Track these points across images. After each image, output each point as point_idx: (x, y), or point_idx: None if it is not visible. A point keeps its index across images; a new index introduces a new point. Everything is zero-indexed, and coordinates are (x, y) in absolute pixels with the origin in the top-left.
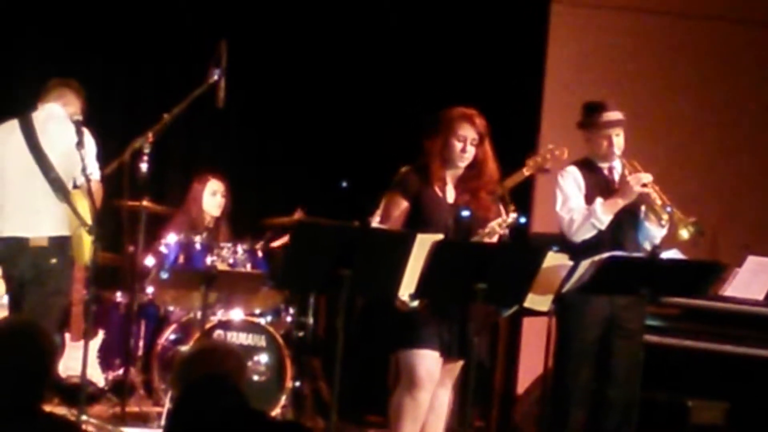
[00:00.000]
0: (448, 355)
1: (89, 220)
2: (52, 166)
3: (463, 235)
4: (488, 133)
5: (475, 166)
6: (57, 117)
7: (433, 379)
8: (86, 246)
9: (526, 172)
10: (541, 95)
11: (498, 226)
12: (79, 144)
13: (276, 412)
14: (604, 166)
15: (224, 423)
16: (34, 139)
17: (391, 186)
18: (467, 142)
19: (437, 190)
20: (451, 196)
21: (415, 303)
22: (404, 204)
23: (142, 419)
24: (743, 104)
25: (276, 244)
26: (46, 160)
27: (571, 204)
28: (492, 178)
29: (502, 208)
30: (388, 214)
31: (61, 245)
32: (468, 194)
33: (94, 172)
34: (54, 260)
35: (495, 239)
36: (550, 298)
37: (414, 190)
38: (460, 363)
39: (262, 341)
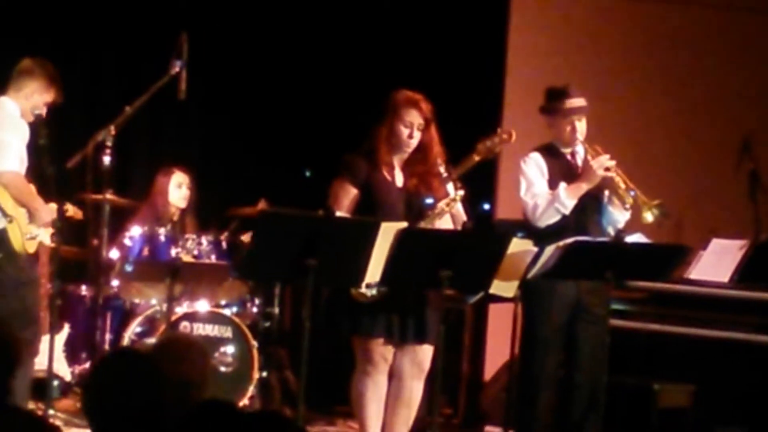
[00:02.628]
0: (402, 341)
1: (10, 211)
2: None
3: (414, 219)
4: (433, 118)
5: (421, 149)
6: None
7: (387, 361)
8: (15, 236)
9: (476, 157)
10: (503, 80)
11: (446, 205)
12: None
13: (243, 402)
14: (567, 151)
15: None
16: None
17: (339, 173)
18: (414, 127)
19: (386, 174)
20: (399, 180)
21: (373, 292)
22: (353, 191)
23: None
24: (706, 86)
25: (245, 237)
26: None
27: (535, 189)
28: (437, 160)
29: (451, 187)
30: (338, 201)
31: (3, 238)
32: (416, 178)
33: (5, 163)
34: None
35: (444, 219)
36: (515, 284)
37: (363, 177)
38: (428, 352)
39: (228, 332)
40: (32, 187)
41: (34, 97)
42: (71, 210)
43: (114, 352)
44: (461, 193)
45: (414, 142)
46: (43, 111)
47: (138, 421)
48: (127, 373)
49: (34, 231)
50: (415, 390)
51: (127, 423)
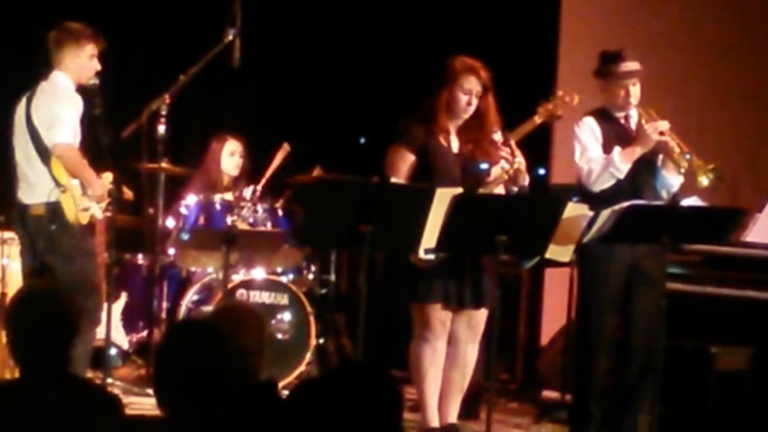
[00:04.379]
0: (460, 306)
1: (63, 181)
2: (38, 134)
3: (472, 185)
4: (491, 85)
5: (478, 116)
6: (50, 86)
7: (445, 327)
8: (68, 207)
9: (537, 119)
10: (557, 45)
11: (505, 173)
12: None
13: (301, 369)
14: (620, 115)
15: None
16: (29, 109)
17: (396, 139)
18: (472, 95)
19: (442, 140)
20: (455, 145)
21: (431, 257)
22: (411, 157)
23: None
24: (760, 48)
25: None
26: (35, 129)
27: (590, 154)
28: (493, 128)
29: (508, 154)
30: (396, 167)
31: (54, 210)
32: (471, 144)
33: (59, 135)
34: (53, 226)
35: (500, 187)
36: (571, 248)
37: (420, 143)
38: (483, 315)
39: (284, 299)
40: (85, 161)
41: (74, 62)
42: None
43: (182, 322)
44: (520, 160)
45: (471, 109)
46: (97, 66)
47: (205, 390)
48: (197, 343)
49: (87, 203)
50: (469, 354)
51: (194, 392)
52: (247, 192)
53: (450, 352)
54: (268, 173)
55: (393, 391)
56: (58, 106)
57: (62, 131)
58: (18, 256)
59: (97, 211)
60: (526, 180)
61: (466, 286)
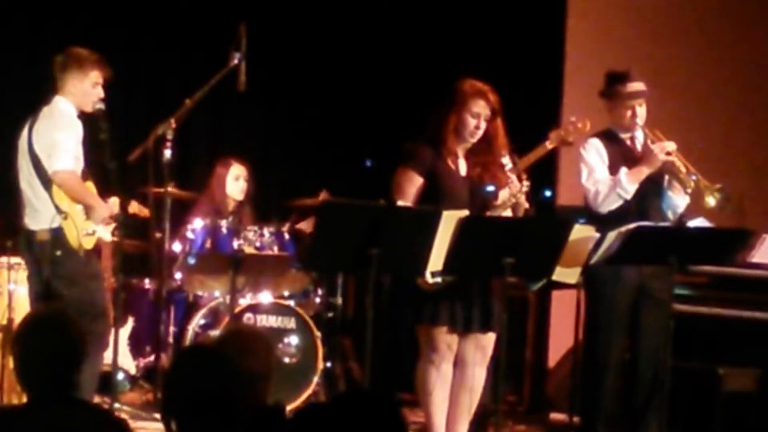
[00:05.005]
0: (467, 330)
1: (64, 208)
2: (40, 161)
3: (479, 209)
4: (500, 109)
5: (486, 140)
6: (50, 111)
7: (452, 349)
8: (71, 233)
9: (549, 145)
10: (563, 65)
11: (512, 197)
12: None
13: (308, 393)
14: (626, 136)
15: None
16: (31, 135)
17: (404, 161)
18: (481, 118)
19: (450, 163)
20: (463, 169)
21: (438, 280)
22: (419, 180)
23: None
24: (765, 68)
25: (302, 225)
26: (36, 156)
27: (596, 175)
28: (501, 151)
29: (515, 178)
30: (403, 189)
31: (57, 236)
32: (479, 167)
33: (59, 162)
34: (58, 252)
35: (509, 211)
36: (578, 270)
37: (428, 165)
38: (491, 338)
39: (291, 323)
40: (88, 185)
41: (76, 88)
42: (137, 208)
43: (190, 347)
44: (527, 184)
45: (480, 133)
46: (100, 94)
47: (212, 415)
48: (204, 368)
49: (92, 227)
50: (477, 376)
51: (202, 417)
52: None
53: (458, 374)
54: None
55: (397, 417)
56: (56, 132)
57: (61, 158)
58: (25, 282)
59: (105, 233)
60: (525, 206)
61: (474, 309)
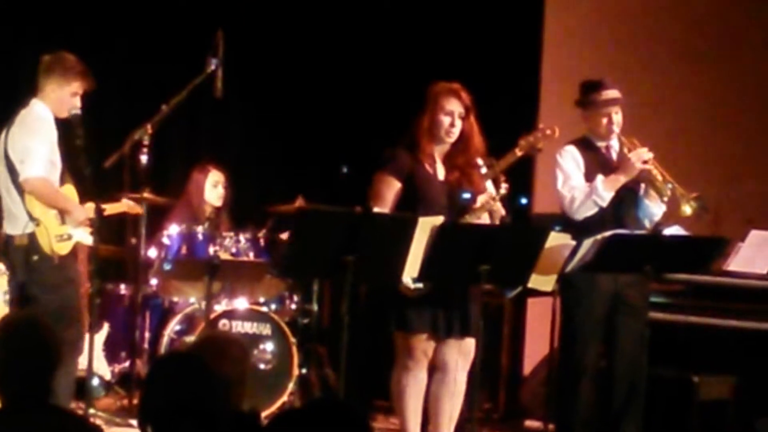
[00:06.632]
0: (448, 335)
1: (36, 214)
2: (14, 165)
3: (457, 213)
4: (473, 107)
5: (462, 140)
6: (25, 116)
7: (427, 356)
8: (43, 239)
9: (518, 152)
10: (539, 74)
11: (490, 201)
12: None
13: (283, 399)
14: (602, 144)
15: None
16: (6, 140)
17: (382, 166)
18: (455, 116)
19: (428, 167)
20: (441, 173)
21: (420, 286)
22: (397, 184)
23: None
24: (744, 74)
25: (282, 235)
26: (11, 161)
27: (572, 182)
28: (478, 151)
29: (490, 183)
30: (381, 195)
31: (32, 242)
32: (457, 171)
33: (30, 169)
34: (35, 257)
35: (486, 215)
36: (553, 278)
37: (406, 170)
38: (472, 343)
39: (267, 329)
40: (68, 187)
41: (55, 93)
42: (128, 205)
43: (166, 354)
44: (505, 186)
45: (455, 131)
46: (77, 104)
47: (188, 421)
48: (180, 375)
49: (68, 231)
50: (460, 382)
51: (178, 423)
52: None
53: (441, 380)
54: None
55: (364, 426)
56: (29, 139)
57: (33, 165)
58: (6, 287)
59: (85, 236)
60: (501, 212)
61: (454, 315)
